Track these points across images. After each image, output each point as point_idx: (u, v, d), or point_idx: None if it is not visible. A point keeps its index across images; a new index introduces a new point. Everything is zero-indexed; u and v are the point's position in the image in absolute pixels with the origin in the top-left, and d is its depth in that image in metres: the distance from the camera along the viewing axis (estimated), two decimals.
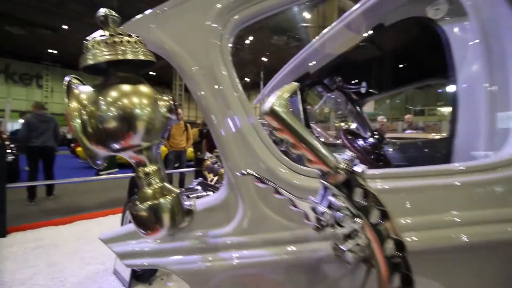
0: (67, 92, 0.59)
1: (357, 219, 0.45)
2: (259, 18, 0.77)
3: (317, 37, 1.44)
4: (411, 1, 1.13)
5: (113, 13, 0.62)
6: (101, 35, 0.59)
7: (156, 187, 0.64)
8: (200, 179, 2.63)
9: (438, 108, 22.76)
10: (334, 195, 0.47)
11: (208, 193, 2.20)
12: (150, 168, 0.64)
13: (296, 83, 0.52)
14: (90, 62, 0.57)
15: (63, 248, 2.99)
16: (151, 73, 31.47)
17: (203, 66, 0.70)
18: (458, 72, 0.98)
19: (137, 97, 0.58)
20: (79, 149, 10.32)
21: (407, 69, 1.62)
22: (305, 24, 16.08)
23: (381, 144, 1.48)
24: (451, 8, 1.00)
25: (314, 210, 0.48)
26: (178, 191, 0.65)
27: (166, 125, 0.65)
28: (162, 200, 0.62)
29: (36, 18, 18.41)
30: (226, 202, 0.71)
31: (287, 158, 0.71)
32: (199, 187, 2.41)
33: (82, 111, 0.58)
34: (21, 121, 7.28)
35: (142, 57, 0.59)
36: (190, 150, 6.68)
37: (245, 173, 0.53)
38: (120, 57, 0.56)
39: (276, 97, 0.48)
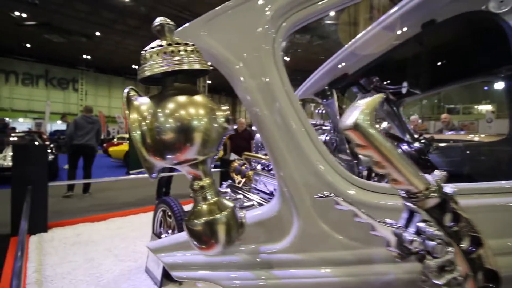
0: (127, 103, 0.59)
1: (450, 248, 0.39)
2: (310, 21, 0.73)
3: (358, 36, 1.36)
4: None
5: (169, 21, 0.61)
6: (158, 45, 0.58)
7: (212, 201, 0.62)
8: (229, 181, 2.63)
9: (475, 106, 21.24)
10: (424, 221, 0.41)
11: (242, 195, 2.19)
12: (205, 182, 0.63)
13: (380, 95, 0.47)
14: (148, 73, 0.57)
15: (99, 244, 3.14)
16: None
17: (256, 73, 0.67)
18: None
19: (195, 109, 0.56)
20: (111, 149, 10.86)
21: (458, 67, 1.48)
22: (332, 22, 15.71)
23: (428, 149, 1.37)
24: None
25: (397, 235, 0.42)
26: (233, 205, 0.62)
27: (222, 136, 0.62)
28: (218, 216, 0.60)
29: (72, 26, 19.69)
30: (279, 216, 0.67)
31: (344, 169, 0.66)
32: (228, 190, 2.41)
33: (142, 123, 0.57)
34: (59, 122, 7.82)
35: (198, 66, 0.57)
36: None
37: (323, 196, 0.49)
38: (177, 68, 0.55)
39: (360, 111, 0.43)
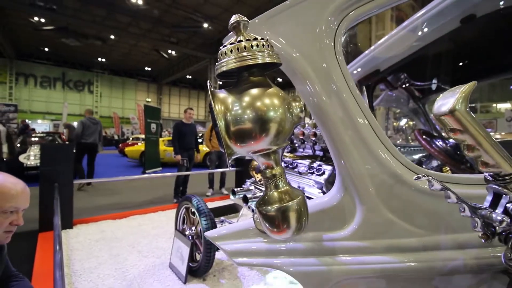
0: (211, 95, 0.62)
1: None
2: (369, 16, 0.74)
3: (393, 32, 1.36)
4: None
5: (244, 18, 0.64)
6: (234, 41, 0.61)
7: (283, 189, 0.64)
8: (253, 179, 2.65)
9: (494, 105, 20.54)
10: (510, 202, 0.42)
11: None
12: (277, 171, 0.65)
13: (474, 82, 0.48)
14: (224, 68, 0.60)
15: (122, 241, 3.22)
16: (187, 76, 32.94)
17: (318, 68, 0.69)
18: None
19: (271, 101, 0.59)
20: (127, 149, 11.10)
21: (494, 62, 1.45)
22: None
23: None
24: None
25: (483, 217, 0.43)
26: (303, 193, 0.65)
27: (294, 127, 0.65)
28: (290, 203, 0.62)
29: (88, 30, 20.27)
30: (341, 205, 0.69)
31: (405, 158, 0.67)
32: (252, 187, 2.43)
33: (226, 113, 0.60)
34: (75, 123, 8.13)
35: (270, 60, 0.60)
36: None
37: (421, 177, 0.51)
38: (252, 62, 0.58)
39: (457, 97, 0.45)
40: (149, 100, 34.06)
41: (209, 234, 0.85)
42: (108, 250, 2.97)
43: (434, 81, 1.60)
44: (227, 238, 0.80)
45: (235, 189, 2.40)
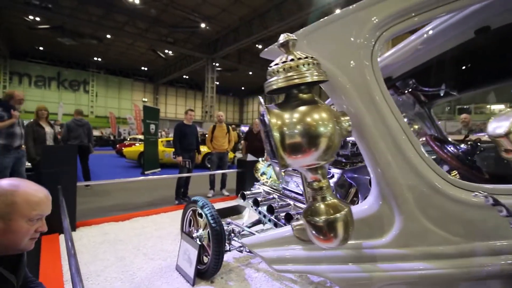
0: (267, 110, 0.64)
1: None
2: (403, 33, 0.77)
3: (406, 40, 1.39)
4: None
5: (292, 36, 0.66)
6: (283, 61, 0.64)
7: (330, 202, 0.67)
8: (261, 181, 2.67)
9: (487, 106, 20.86)
10: None
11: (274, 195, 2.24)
12: (324, 184, 0.68)
13: None
14: (275, 87, 0.64)
15: (127, 243, 3.22)
16: (184, 76, 32.82)
17: (357, 84, 0.72)
18: None
19: (321, 118, 0.62)
20: (125, 149, 11.03)
21: (505, 69, 1.49)
22: None
23: (475, 151, 1.39)
24: None
25: None
26: (349, 206, 0.67)
27: (341, 142, 0.68)
28: (339, 214, 0.64)
29: (84, 29, 20.10)
30: (379, 213, 0.71)
31: (440, 168, 0.70)
32: (261, 190, 2.45)
33: (282, 127, 0.63)
34: None
35: (317, 79, 0.63)
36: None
37: (479, 194, 0.54)
38: (300, 81, 0.61)
39: (510, 121, 0.49)
40: (146, 100, 33.85)
41: (246, 241, 0.86)
42: (113, 253, 2.96)
43: (443, 87, 1.64)
44: (265, 245, 0.82)
45: (245, 192, 2.43)
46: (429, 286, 0.69)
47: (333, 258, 0.73)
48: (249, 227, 2.82)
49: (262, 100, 0.68)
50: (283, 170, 0.67)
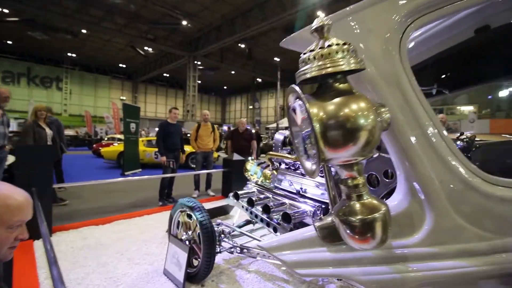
0: (306, 100, 0.59)
1: None
2: (432, 23, 0.75)
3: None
4: None
5: (328, 21, 0.61)
6: (319, 47, 0.59)
7: (367, 200, 0.64)
8: (253, 181, 2.62)
9: (458, 107, 22.10)
10: None
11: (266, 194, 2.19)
12: (360, 181, 0.64)
13: None
14: (308, 76, 0.59)
15: (109, 248, 3.05)
16: (164, 74, 32.03)
17: (385, 74, 0.69)
18: None
19: (361, 109, 0.58)
20: (103, 149, 10.55)
21: (501, 67, 1.53)
22: None
23: (470, 147, 1.42)
24: None
25: None
26: (387, 205, 0.64)
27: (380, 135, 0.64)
28: (377, 214, 0.61)
29: (57, 23, 19.01)
30: (409, 211, 0.69)
31: (477, 168, 0.69)
32: (255, 189, 2.41)
33: (322, 118, 0.58)
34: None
35: (354, 67, 0.58)
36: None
37: None
38: (335, 70, 0.57)
39: None
40: (124, 98, 32.67)
41: (264, 245, 0.81)
42: (95, 259, 2.79)
43: (435, 86, 1.68)
44: (285, 248, 0.77)
45: (239, 192, 2.37)
46: (463, 284, 0.68)
47: (362, 260, 0.70)
48: (240, 227, 2.77)
49: (298, 89, 0.62)
50: (321, 165, 0.63)
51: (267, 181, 2.54)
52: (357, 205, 0.62)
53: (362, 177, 0.63)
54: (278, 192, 2.21)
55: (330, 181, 0.75)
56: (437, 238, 0.67)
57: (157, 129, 5.30)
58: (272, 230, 2.12)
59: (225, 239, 2.49)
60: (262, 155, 12.09)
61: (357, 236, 0.61)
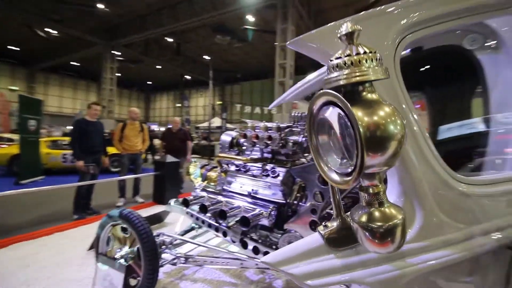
0: (347, 103, 0.55)
1: None
2: (426, 37, 0.82)
3: None
4: (451, 30, 1.30)
5: (359, 27, 0.58)
6: (347, 54, 0.56)
7: (387, 207, 0.66)
8: (201, 185, 2.46)
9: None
10: None
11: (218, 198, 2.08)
12: (381, 188, 0.66)
13: None
14: (342, 83, 0.56)
15: (10, 279, 2.40)
16: (73, 62, 27.39)
17: (383, 84, 0.71)
18: (491, 97, 1.20)
19: (396, 118, 0.57)
20: None
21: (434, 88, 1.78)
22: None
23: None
24: (487, 40, 1.21)
25: None
26: (403, 209, 0.67)
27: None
28: (397, 220, 0.65)
29: None
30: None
31: (447, 166, 0.81)
32: (205, 193, 2.27)
33: (368, 125, 0.55)
34: None
35: (382, 77, 0.57)
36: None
37: None
38: (364, 79, 0.54)
39: None
40: (16, 88, 26.46)
41: (268, 260, 0.74)
42: None
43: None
44: (292, 261, 0.74)
45: (188, 198, 2.18)
46: (448, 271, 0.82)
47: (366, 262, 0.75)
48: (182, 235, 2.58)
49: (340, 95, 0.58)
50: (362, 173, 0.61)
51: (213, 183, 2.44)
52: (378, 213, 0.65)
53: (382, 185, 0.66)
54: (227, 195, 2.15)
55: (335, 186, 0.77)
56: (426, 233, 0.78)
57: (69, 127, 4.47)
58: (221, 235, 2.04)
59: (166, 251, 2.28)
60: (193, 156, 11.65)
61: (377, 241, 0.65)
